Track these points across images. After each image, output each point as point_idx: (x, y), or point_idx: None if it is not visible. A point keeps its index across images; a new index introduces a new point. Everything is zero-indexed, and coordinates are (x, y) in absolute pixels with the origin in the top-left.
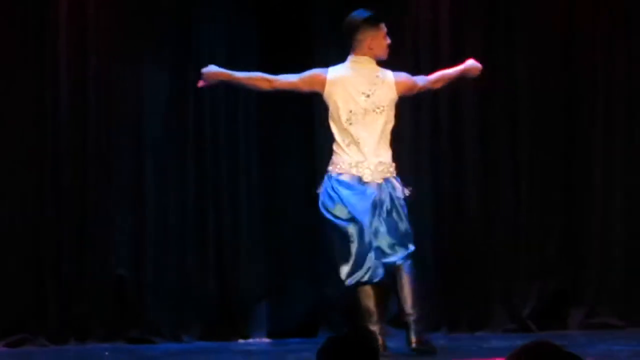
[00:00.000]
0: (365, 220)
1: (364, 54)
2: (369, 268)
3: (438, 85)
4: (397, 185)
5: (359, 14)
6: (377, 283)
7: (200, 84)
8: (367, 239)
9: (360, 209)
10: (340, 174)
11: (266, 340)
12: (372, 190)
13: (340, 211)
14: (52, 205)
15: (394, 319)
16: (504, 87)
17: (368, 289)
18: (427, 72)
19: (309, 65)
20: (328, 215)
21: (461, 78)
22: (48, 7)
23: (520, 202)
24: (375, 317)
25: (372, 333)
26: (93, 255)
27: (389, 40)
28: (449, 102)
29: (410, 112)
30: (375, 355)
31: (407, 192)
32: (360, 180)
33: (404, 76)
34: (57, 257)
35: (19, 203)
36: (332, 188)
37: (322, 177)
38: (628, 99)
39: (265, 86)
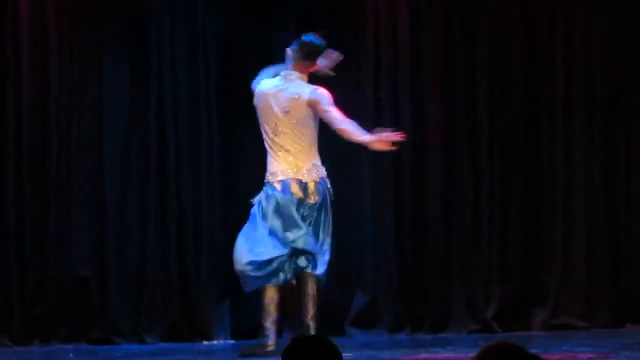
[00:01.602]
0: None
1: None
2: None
3: None
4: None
5: (321, 41)
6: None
7: None
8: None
9: None
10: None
11: (230, 341)
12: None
13: None
14: (14, 208)
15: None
16: (465, 91)
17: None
18: (389, 76)
19: (270, 60)
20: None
21: None
22: (9, 8)
23: (482, 203)
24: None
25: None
26: (55, 257)
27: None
28: (410, 105)
29: (372, 115)
30: (339, 356)
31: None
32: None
33: None
34: (20, 259)
35: None
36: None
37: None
38: (588, 102)
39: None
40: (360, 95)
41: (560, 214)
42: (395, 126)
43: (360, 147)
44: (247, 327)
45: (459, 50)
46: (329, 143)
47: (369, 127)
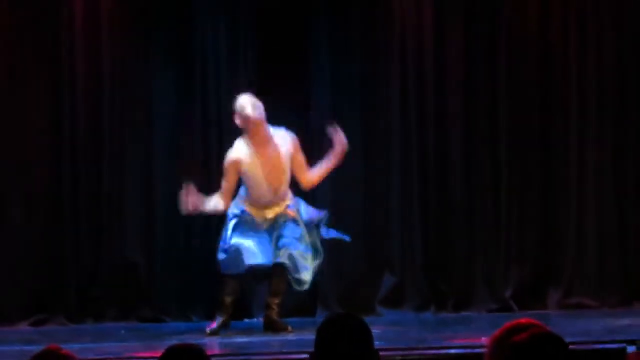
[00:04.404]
0: None
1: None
2: None
3: None
4: None
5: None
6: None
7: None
8: None
9: None
10: None
11: None
12: None
13: None
14: (70, 198)
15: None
16: (485, 83)
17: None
18: (416, 80)
19: (307, 64)
20: None
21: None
22: (64, 7)
23: (501, 190)
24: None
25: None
26: (108, 244)
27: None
28: (435, 98)
29: (399, 105)
30: (369, 332)
31: None
32: None
33: None
34: (76, 245)
35: (41, 194)
36: None
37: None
38: (600, 92)
39: None
40: (389, 88)
41: (574, 201)
42: (421, 119)
43: (387, 135)
44: (284, 305)
45: (479, 49)
46: (361, 126)
47: (397, 119)
